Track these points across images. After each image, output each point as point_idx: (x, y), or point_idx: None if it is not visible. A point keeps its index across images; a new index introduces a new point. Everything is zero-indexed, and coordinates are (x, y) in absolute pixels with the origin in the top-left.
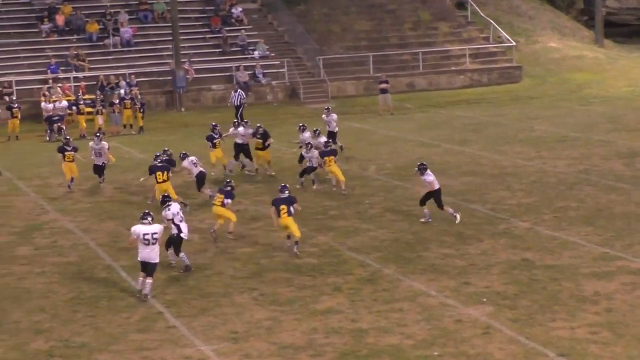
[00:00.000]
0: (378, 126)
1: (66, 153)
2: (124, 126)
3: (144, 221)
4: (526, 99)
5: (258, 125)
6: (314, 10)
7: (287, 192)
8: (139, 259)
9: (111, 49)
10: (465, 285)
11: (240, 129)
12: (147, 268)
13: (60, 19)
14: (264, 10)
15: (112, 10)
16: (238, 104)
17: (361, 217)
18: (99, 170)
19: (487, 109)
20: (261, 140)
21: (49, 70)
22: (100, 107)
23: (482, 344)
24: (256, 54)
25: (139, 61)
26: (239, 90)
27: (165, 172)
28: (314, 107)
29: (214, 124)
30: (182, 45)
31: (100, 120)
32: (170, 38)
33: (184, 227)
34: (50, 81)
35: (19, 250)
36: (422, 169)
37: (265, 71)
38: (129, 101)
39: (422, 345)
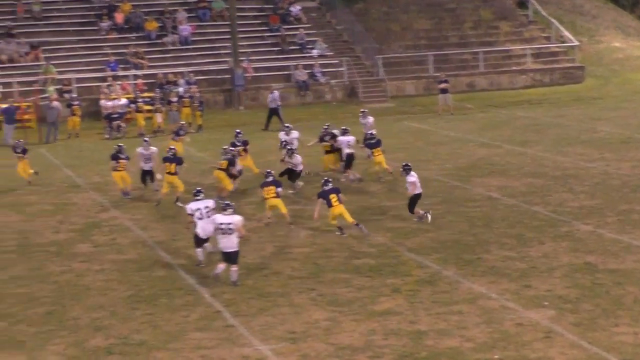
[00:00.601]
0: (438, 126)
1: (120, 161)
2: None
3: (225, 212)
4: (589, 99)
5: (325, 127)
6: (373, 8)
7: (330, 183)
8: (221, 249)
9: (170, 47)
10: (527, 288)
11: (281, 134)
12: (229, 257)
13: (119, 17)
14: (323, 9)
15: (171, 9)
16: (274, 106)
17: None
18: (146, 176)
19: (549, 110)
20: (329, 144)
21: (108, 68)
22: (159, 105)
23: (543, 348)
24: (315, 52)
25: (198, 59)
26: (274, 91)
27: (174, 165)
28: (372, 107)
29: (237, 130)
30: (240, 43)
31: (159, 118)
32: (229, 36)
33: (200, 224)
34: (110, 79)
35: (79, 247)
36: (407, 169)
37: (324, 70)
38: (188, 99)
39: (482, 348)
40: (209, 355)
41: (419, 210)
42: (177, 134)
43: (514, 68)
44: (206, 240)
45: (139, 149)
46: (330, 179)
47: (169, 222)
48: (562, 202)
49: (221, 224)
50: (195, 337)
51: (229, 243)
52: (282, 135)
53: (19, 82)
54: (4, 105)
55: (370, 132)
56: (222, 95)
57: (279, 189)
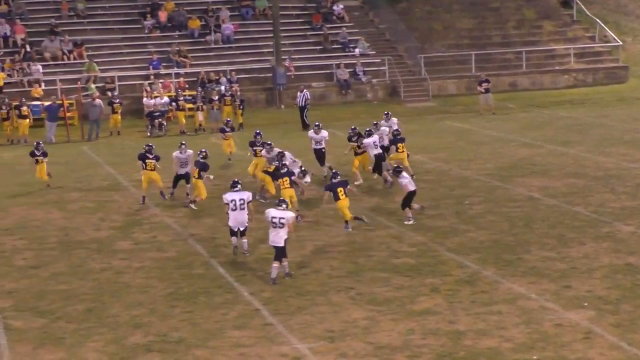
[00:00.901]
0: (479, 126)
1: (147, 161)
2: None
3: (279, 207)
4: (632, 99)
5: (352, 127)
6: (416, 7)
7: (339, 176)
8: (270, 243)
9: (212, 45)
10: (566, 288)
11: (311, 132)
12: (276, 252)
13: (162, 15)
14: (366, 8)
15: (214, 7)
16: (302, 104)
17: (460, 218)
18: (180, 180)
19: (592, 110)
20: (357, 144)
21: (150, 66)
22: (201, 104)
23: (582, 349)
24: (357, 51)
25: (240, 58)
26: (304, 90)
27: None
28: (414, 106)
29: (257, 131)
30: (282, 42)
31: (200, 116)
32: (271, 35)
33: (233, 215)
34: (152, 77)
35: (119, 244)
36: (397, 171)
37: (366, 69)
38: (229, 98)
39: (521, 348)
40: (247, 353)
41: (414, 205)
42: (222, 131)
43: (557, 68)
44: (239, 231)
45: (176, 153)
46: (338, 172)
47: (209, 220)
48: (603, 202)
49: (273, 217)
50: (234, 335)
51: (276, 238)
52: (311, 134)
53: (62, 80)
54: (47, 103)
55: (396, 129)
56: (263, 93)
57: (293, 177)
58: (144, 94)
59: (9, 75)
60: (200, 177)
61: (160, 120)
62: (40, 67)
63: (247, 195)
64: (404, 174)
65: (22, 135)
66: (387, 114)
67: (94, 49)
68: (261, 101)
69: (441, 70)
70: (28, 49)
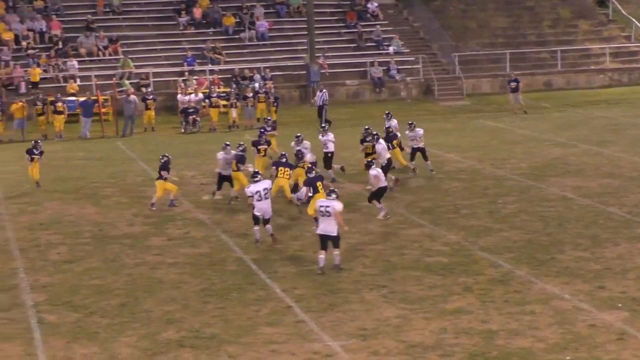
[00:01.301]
0: (513, 125)
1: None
2: (257, 119)
3: (329, 196)
4: None
5: (366, 127)
6: (451, 6)
7: (314, 172)
8: (317, 231)
9: (247, 43)
10: (600, 289)
11: (321, 136)
12: (330, 240)
13: (197, 12)
14: (400, 6)
15: (249, 4)
16: (321, 104)
17: (494, 217)
18: (224, 181)
19: (627, 110)
20: (371, 145)
21: (185, 63)
22: (234, 101)
23: (616, 350)
24: (391, 49)
25: (274, 55)
26: (324, 90)
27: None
28: (448, 105)
29: (261, 129)
30: (316, 39)
31: (233, 113)
32: (305, 32)
33: (258, 205)
34: (187, 74)
35: (153, 240)
36: (369, 165)
37: (400, 67)
38: (263, 95)
39: (554, 349)
40: (279, 350)
41: (381, 204)
42: (264, 130)
43: (592, 67)
44: (267, 220)
45: (220, 154)
46: (313, 168)
47: (242, 217)
48: (638, 203)
49: (321, 206)
50: (266, 331)
51: (329, 227)
52: (319, 136)
53: (97, 76)
54: (82, 98)
55: (387, 126)
56: (297, 91)
57: (291, 171)
58: (178, 90)
59: (44, 71)
60: (238, 169)
61: (194, 116)
62: (75, 63)
63: (268, 184)
64: (375, 167)
65: (57, 131)
66: (388, 113)
67: (129, 45)
68: (295, 98)
69: (475, 69)
70: (63, 45)
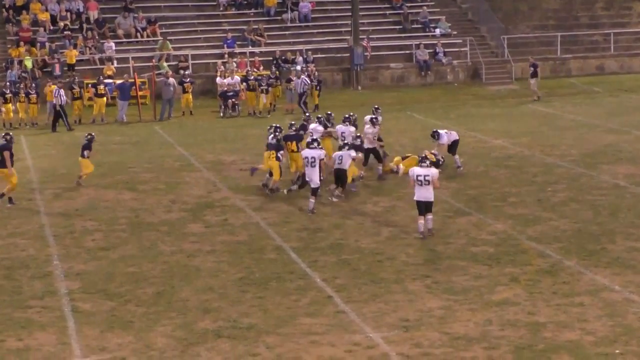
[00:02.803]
0: (564, 110)
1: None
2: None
3: (422, 164)
4: None
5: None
6: None
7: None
8: (414, 198)
9: (289, 24)
10: None
11: (312, 125)
12: (426, 206)
13: None
14: None
15: None
16: (301, 91)
17: (542, 205)
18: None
19: None
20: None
21: (225, 45)
22: (266, 87)
23: None
24: (437, 32)
25: (317, 37)
26: (302, 76)
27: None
28: (496, 89)
29: (304, 122)
30: (361, 21)
31: (264, 99)
32: (349, 14)
33: (308, 171)
34: (226, 56)
35: (190, 227)
36: (345, 145)
37: (447, 50)
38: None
39: (603, 342)
40: (318, 341)
41: (332, 186)
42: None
43: None
44: (314, 190)
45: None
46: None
47: (281, 204)
48: None
49: (418, 176)
50: (306, 322)
51: (427, 193)
52: (339, 127)
53: (134, 58)
54: (119, 81)
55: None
56: (340, 74)
57: (280, 153)
58: (218, 73)
59: (81, 53)
60: (278, 158)
61: (233, 100)
62: (113, 45)
63: (318, 154)
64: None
65: (98, 114)
66: (377, 108)
67: (167, 26)
68: (337, 82)
69: (525, 52)
70: (101, 26)
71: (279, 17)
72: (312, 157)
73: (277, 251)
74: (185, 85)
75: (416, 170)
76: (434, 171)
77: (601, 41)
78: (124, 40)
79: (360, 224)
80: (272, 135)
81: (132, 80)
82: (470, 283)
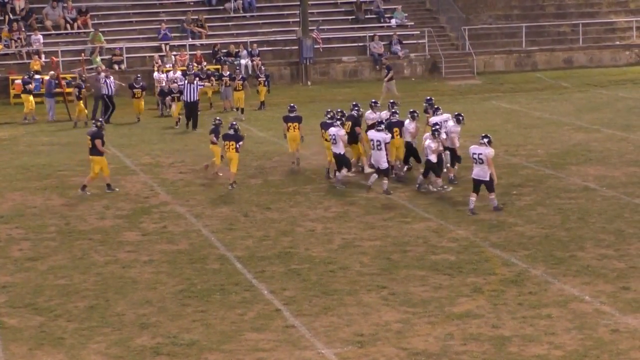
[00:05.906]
0: (529, 107)
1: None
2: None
3: (481, 142)
4: None
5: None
6: None
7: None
8: (472, 176)
9: (232, 14)
10: (624, 290)
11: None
12: (483, 185)
13: None
14: None
15: None
16: (110, 93)
17: (507, 210)
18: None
19: None
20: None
21: (160, 37)
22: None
23: None
24: (393, 22)
25: (262, 28)
26: (111, 76)
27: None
28: (457, 84)
29: (217, 120)
30: (310, 11)
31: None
32: (298, 3)
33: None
34: (167, 49)
35: (126, 235)
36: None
37: (403, 42)
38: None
39: (572, 356)
40: (266, 358)
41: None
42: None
43: (618, 43)
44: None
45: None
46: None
47: (225, 209)
48: None
49: (474, 154)
50: (252, 337)
51: (482, 172)
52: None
53: (63, 51)
54: (47, 77)
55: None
56: (288, 68)
57: (239, 144)
58: (155, 67)
59: (5, 46)
60: (237, 150)
61: (172, 96)
62: (40, 37)
63: (383, 137)
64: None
65: (28, 112)
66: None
67: (100, 17)
68: (285, 77)
69: (488, 44)
70: (28, 16)
71: (221, 7)
72: (377, 140)
73: (221, 261)
74: (135, 91)
75: (472, 149)
76: (488, 150)
77: (569, 32)
78: (53, 32)
79: (311, 230)
80: (328, 117)
81: (56, 75)
82: (429, 294)
